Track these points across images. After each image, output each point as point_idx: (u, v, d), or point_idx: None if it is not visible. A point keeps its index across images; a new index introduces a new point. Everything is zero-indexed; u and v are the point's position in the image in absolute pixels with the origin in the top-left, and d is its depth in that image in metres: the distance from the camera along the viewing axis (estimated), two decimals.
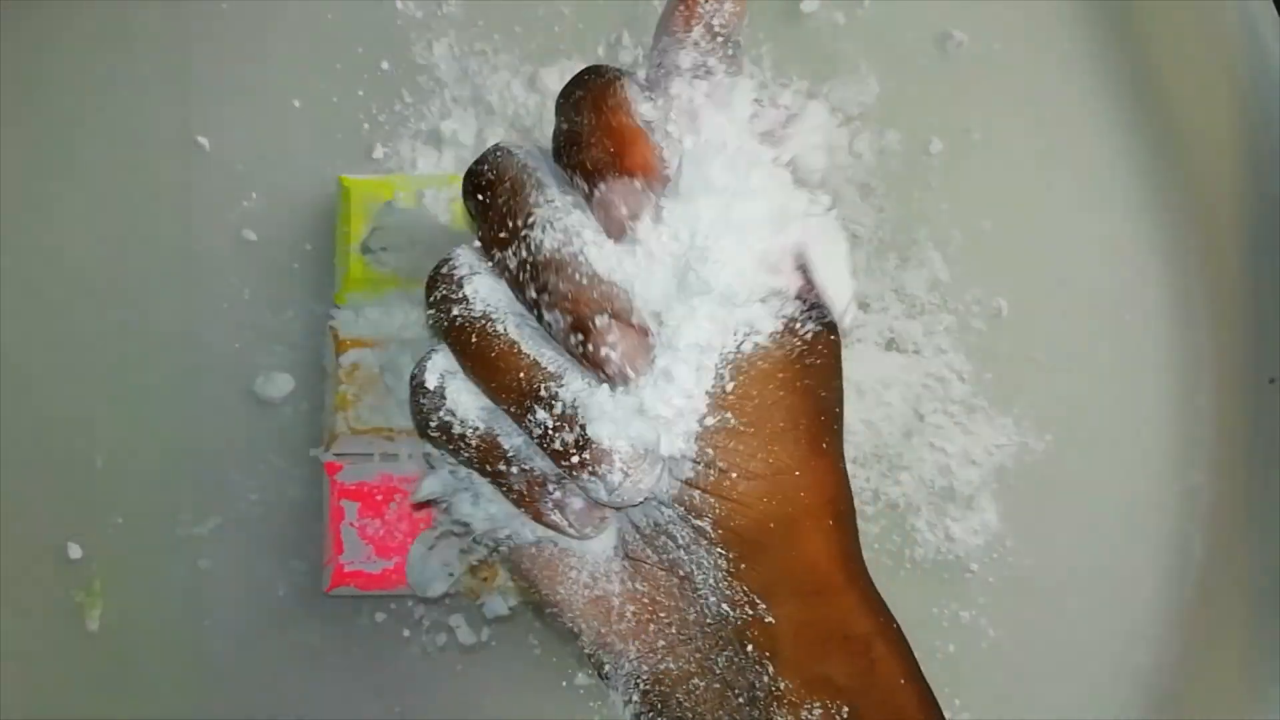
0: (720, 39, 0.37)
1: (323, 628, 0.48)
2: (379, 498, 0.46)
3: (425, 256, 0.46)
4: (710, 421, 0.36)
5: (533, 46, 0.50)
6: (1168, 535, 0.51)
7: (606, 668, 0.39)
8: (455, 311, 0.38)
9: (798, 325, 0.37)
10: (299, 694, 0.48)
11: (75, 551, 0.47)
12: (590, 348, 0.35)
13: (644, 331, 0.36)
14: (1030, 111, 0.52)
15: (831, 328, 0.38)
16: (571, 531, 0.38)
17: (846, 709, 0.37)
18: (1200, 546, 0.51)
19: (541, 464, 0.38)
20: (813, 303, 0.37)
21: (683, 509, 0.37)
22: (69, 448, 0.48)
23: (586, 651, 0.39)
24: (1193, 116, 0.52)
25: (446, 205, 0.46)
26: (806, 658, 0.37)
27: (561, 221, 0.36)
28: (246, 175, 0.49)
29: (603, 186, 0.36)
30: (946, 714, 0.39)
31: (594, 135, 0.36)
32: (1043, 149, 0.52)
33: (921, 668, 0.39)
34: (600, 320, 0.35)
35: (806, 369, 0.37)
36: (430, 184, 0.47)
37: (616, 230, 0.36)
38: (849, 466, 0.39)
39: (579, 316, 0.35)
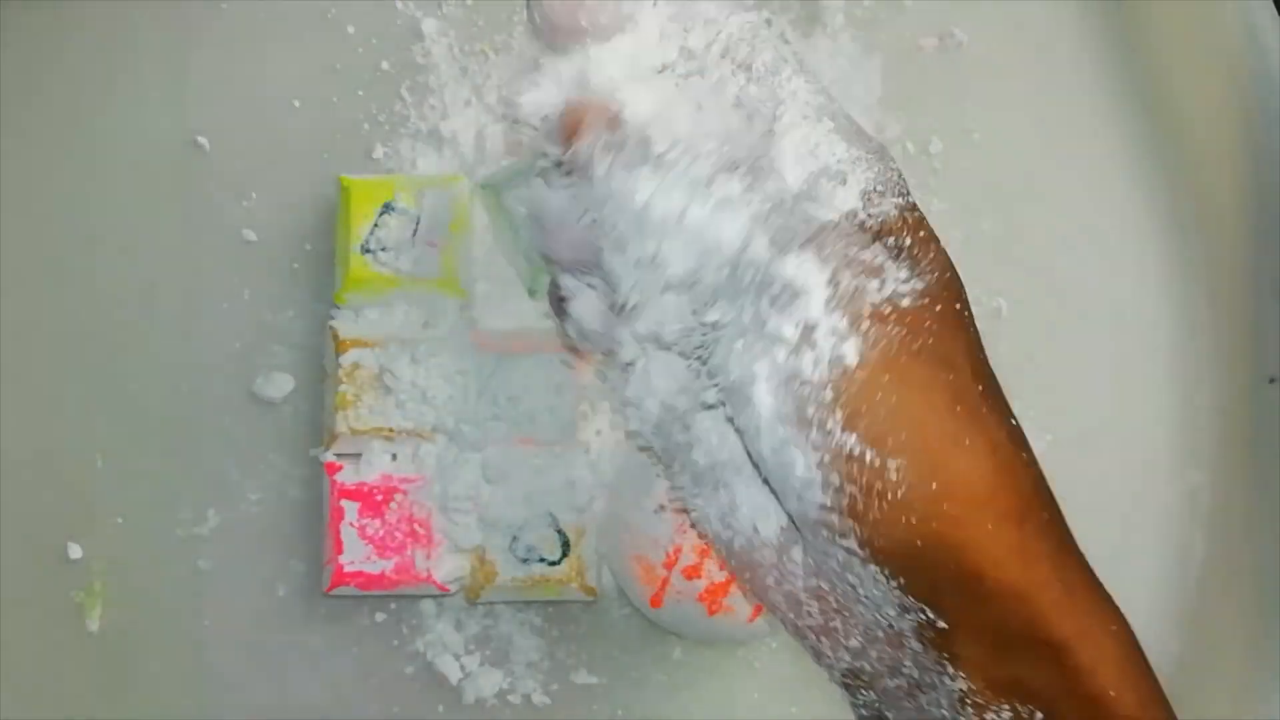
0: None
1: (323, 628, 0.48)
2: (379, 498, 0.46)
3: (425, 256, 0.46)
4: (820, 450, 0.33)
5: (532, 47, 0.50)
6: (1168, 535, 0.51)
7: (812, 655, 0.37)
8: None
9: (886, 310, 0.33)
10: (299, 694, 0.48)
11: (75, 551, 0.47)
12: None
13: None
14: (1030, 111, 0.52)
15: (947, 279, 0.35)
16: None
17: (1040, 714, 0.34)
18: (1200, 546, 0.51)
19: None
20: (897, 273, 0.34)
21: (827, 531, 0.34)
22: (69, 448, 0.48)
23: (793, 639, 0.38)
24: (1193, 116, 0.52)
25: (447, 205, 0.46)
26: (988, 660, 0.34)
27: None
28: (246, 175, 0.49)
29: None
30: None
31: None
32: (1043, 149, 0.52)
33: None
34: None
35: (915, 356, 0.34)
36: (430, 184, 0.47)
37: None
38: None
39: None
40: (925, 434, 0.33)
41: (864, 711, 0.38)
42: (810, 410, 0.33)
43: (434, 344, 0.46)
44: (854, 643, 0.37)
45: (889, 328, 0.33)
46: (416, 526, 0.46)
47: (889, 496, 0.33)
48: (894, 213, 0.35)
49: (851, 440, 0.33)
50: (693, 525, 0.40)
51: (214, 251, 0.48)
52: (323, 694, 0.48)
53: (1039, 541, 0.35)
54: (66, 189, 0.48)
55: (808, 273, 0.34)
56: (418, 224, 0.46)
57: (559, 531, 0.47)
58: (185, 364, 0.48)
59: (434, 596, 0.48)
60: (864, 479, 0.33)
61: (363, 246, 0.46)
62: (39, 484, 0.48)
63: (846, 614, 0.37)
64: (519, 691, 0.48)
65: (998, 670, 0.34)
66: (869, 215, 0.35)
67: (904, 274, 0.34)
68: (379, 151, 0.49)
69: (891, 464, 0.33)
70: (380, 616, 0.48)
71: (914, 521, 0.33)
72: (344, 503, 0.46)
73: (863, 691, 0.37)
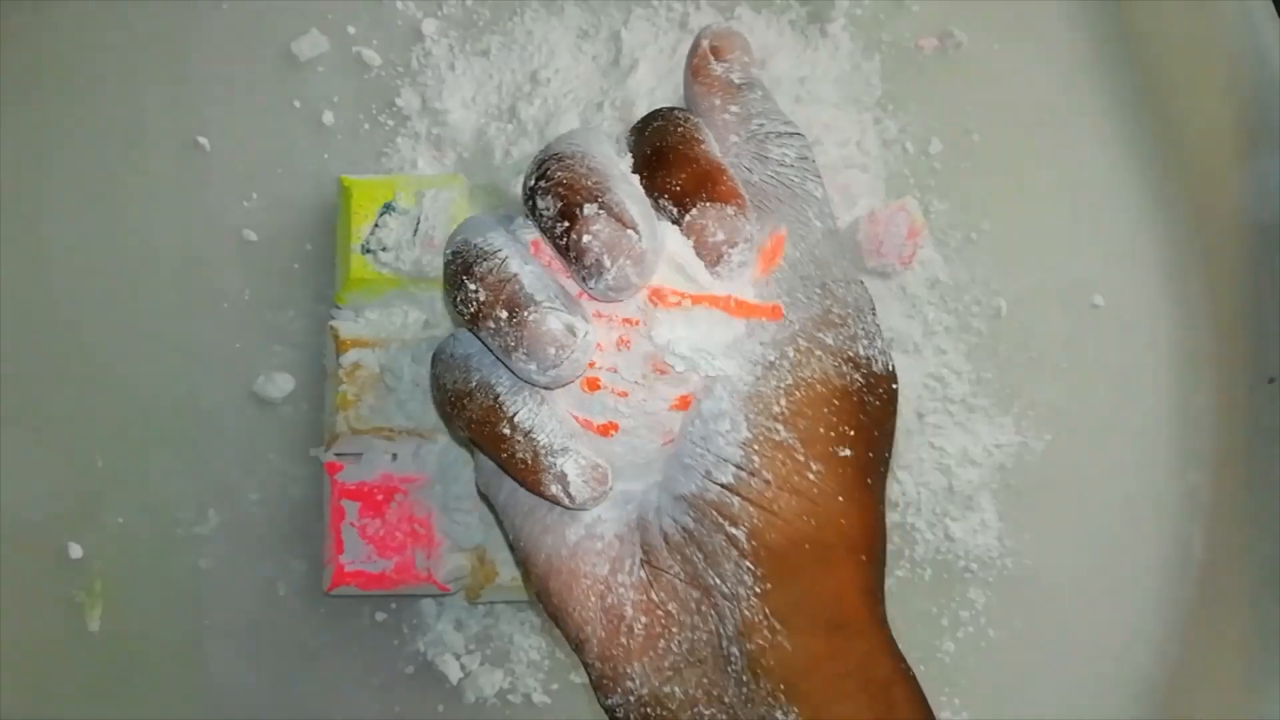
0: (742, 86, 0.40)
1: (323, 628, 0.48)
2: (379, 497, 0.46)
3: (425, 257, 0.46)
4: (758, 429, 0.36)
5: (532, 47, 0.50)
6: (1168, 534, 0.51)
7: (607, 682, 0.38)
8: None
9: (862, 361, 0.38)
10: (299, 694, 0.48)
11: (76, 551, 0.47)
12: (574, 235, 0.35)
13: (628, 224, 0.35)
14: (1030, 111, 0.52)
15: (893, 376, 0.38)
16: (567, 501, 0.37)
17: None
18: (1200, 546, 0.51)
19: (548, 428, 0.37)
20: (882, 345, 0.38)
21: (719, 515, 0.36)
22: (69, 448, 0.48)
23: (588, 661, 0.38)
24: (1193, 116, 0.52)
25: (446, 205, 0.46)
26: (823, 694, 0.36)
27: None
28: (247, 176, 0.49)
29: (695, 211, 0.36)
30: (946, 714, 0.39)
31: (681, 165, 0.37)
32: (1043, 149, 0.52)
33: (922, 668, 0.39)
34: (588, 209, 0.35)
35: (863, 405, 0.37)
36: (430, 184, 0.47)
37: (712, 257, 0.36)
38: None
39: (568, 203, 0.35)
40: (847, 457, 0.37)
41: None
42: (760, 392, 0.36)
43: (435, 344, 0.46)
44: (670, 664, 0.37)
45: (857, 373, 0.37)
46: (417, 526, 0.46)
47: (799, 495, 0.36)
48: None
49: (786, 432, 0.36)
50: (500, 515, 0.40)
51: (215, 251, 0.48)
52: (323, 694, 0.48)
53: (881, 587, 0.38)
54: (67, 189, 0.48)
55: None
56: (418, 224, 0.46)
57: None
58: (186, 364, 0.48)
59: (434, 596, 0.48)
60: (783, 471, 0.36)
61: (363, 246, 0.46)
62: (39, 484, 0.48)
63: (674, 630, 0.37)
64: (519, 691, 0.48)
65: (830, 707, 0.36)
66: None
67: (881, 346, 0.39)
68: (379, 152, 0.49)
69: (814, 466, 0.36)
70: (380, 616, 0.48)
71: (811, 525, 0.36)
72: (344, 502, 0.46)
73: None
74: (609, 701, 0.38)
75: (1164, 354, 0.51)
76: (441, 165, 0.49)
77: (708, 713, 0.37)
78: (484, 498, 0.41)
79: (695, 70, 0.41)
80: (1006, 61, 0.52)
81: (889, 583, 0.39)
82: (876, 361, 0.38)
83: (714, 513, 0.36)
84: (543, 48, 0.49)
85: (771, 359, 0.37)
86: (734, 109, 0.40)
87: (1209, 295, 0.51)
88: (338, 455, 0.46)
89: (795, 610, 0.36)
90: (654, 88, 0.49)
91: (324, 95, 0.49)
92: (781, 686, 0.36)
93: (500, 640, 0.48)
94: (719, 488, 0.36)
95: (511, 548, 0.41)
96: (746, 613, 0.36)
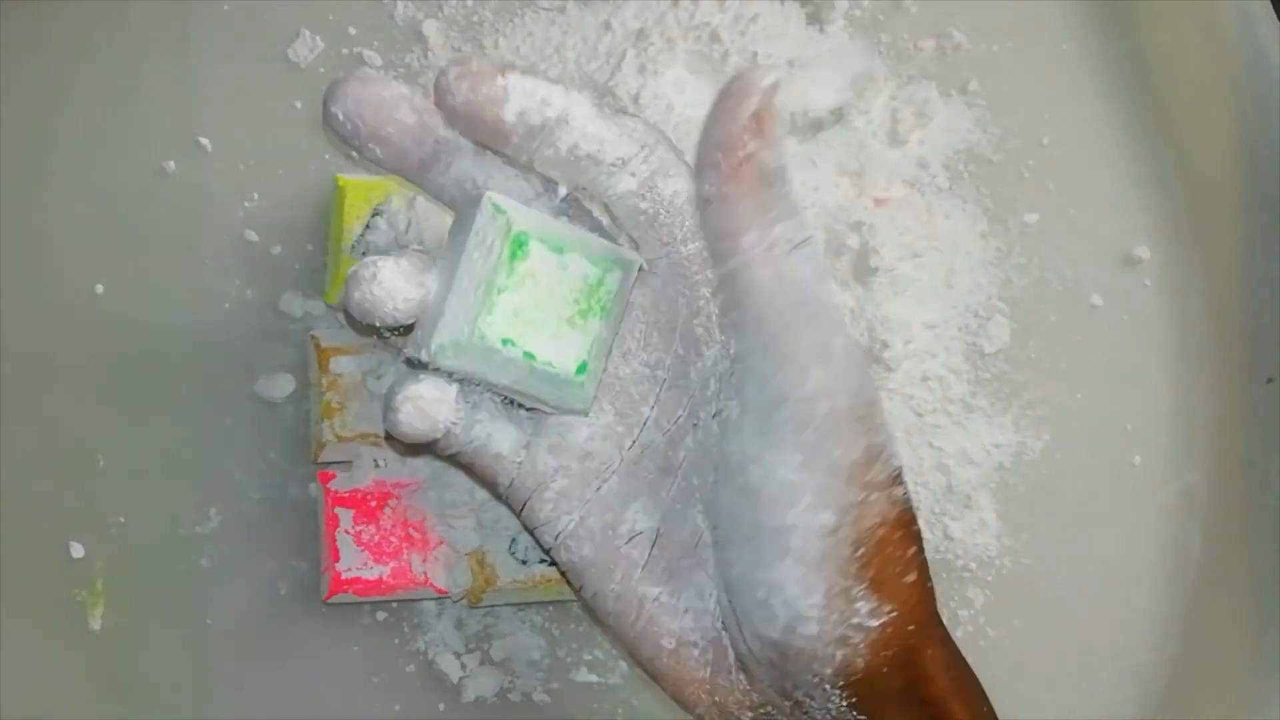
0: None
1: (324, 627, 0.48)
2: (373, 503, 0.46)
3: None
4: (834, 587, 0.37)
5: (530, 48, 0.50)
6: (1166, 534, 0.51)
7: None
8: None
9: (897, 472, 0.38)
10: (299, 694, 0.48)
11: (77, 550, 0.47)
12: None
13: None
14: (1030, 112, 0.52)
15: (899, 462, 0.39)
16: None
17: None
18: (1199, 545, 0.51)
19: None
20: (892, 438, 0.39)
21: (803, 658, 0.38)
22: (71, 447, 0.48)
23: None
24: (1191, 116, 0.52)
25: (437, 209, 0.46)
26: None
27: None
28: (248, 176, 0.48)
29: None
30: None
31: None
32: (1043, 149, 0.52)
33: None
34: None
35: (908, 514, 0.39)
36: None
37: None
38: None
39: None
40: (909, 579, 0.38)
41: None
42: (829, 556, 0.37)
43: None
44: None
45: (900, 489, 0.38)
46: (412, 530, 0.46)
47: (873, 635, 0.38)
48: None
49: (860, 589, 0.37)
50: (610, 625, 0.41)
51: (216, 251, 0.48)
52: (323, 693, 0.48)
53: (951, 649, 0.41)
54: (68, 189, 0.48)
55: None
56: (408, 226, 0.46)
57: None
58: (186, 363, 0.48)
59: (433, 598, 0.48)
60: (856, 619, 0.38)
61: (353, 247, 0.46)
62: (40, 483, 0.48)
63: None
64: (519, 690, 0.49)
65: None
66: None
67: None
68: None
69: (886, 607, 0.38)
70: (381, 615, 0.48)
71: (890, 653, 0.38)
72: (338, 510, 0.46)
73: None
74: None
75: (1162, 354, 0.52)
76: None
77: None
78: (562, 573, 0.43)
79: (725, 144, 0.36)
80: (1006, 61, 0.52)
81: None
82: (899, 457, 0.39)
83: (801, 657, 0.38)
84: (544, 50, 0.49)
85: (831, 524, 0.37)
86: (758, 202, 0.37)
87: (1207, 296, 0.52)
88: (328, 464, 0.46)
89: (882, 705, 0.39)
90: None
91: None
92: None
93: (500, 640, 0.48)
94: (804, 640, 0.38)
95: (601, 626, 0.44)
96: (838, 715, 0.39)
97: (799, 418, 0.37)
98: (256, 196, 0.49)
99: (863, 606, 0.37)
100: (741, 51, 0.48)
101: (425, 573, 0.46)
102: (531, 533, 0.41)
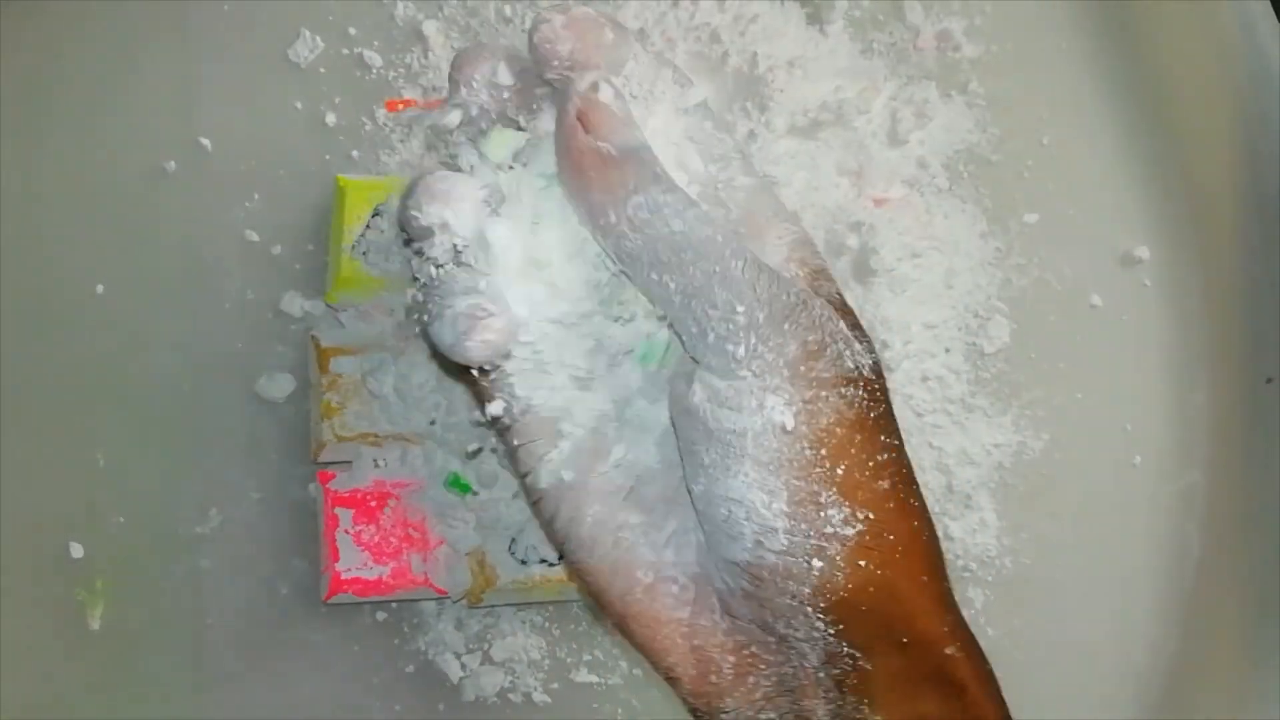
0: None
1: (323, 627, 0.48)
2: (373, 504, 0.46)
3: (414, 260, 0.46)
4: (798, 494, 0.36)
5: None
6: (1165, 534, 0.51)
7: (702, 715, 0.39)
8: None
9: (854, 375, 0.37)
10: (299, 694, 0.48)
11: (77, 550, 0.47)
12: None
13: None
14: (1030, 112, 0.52)
15: (878, 368, 0.39)
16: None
17: None
18: (1198, 545, 0.51)
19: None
20: (858, 347, 0.38)
21: (780, 578, 0.37)
22: (70, 447, 0.48)
23: (681, 695, 0.40)
24: (1191, 117, 0.52)
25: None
26: (902, 700, 0.38)
27: None
28: (249, 176, 0.49)
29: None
30: None
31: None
32: (1043, 149, 0.52)
33: None
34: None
35: (875, 423, 0.38)
36: None
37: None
38: None
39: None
40: (886, 490, 0.37)
41: None
42: (787, 458, 0.36)
43: (419, 347, 0.46)
44: (761, 694, 0.39)
45: (856, 390, 0.37)
46: (411, 530, 0.46)
47: (853, 545, 0.37)
48: (837, 296, 0.40)
49: (828, 493, 0.37)
50: (573, 563, 0.40)
51: (216, 252, 0.48)
52: (323, 694, 0.48)
53: (947, 589, 0.39)
54: (68, 189, 0.48)
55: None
56: None
57: None
58: (187, 364, 0.48)
59: (432, 600, 0.48)
60: (834, 528, 0.37)
61: (354, 247, 0.46)
62: (40, 483, 0.48)
63: (761, 668, 0.39)
64: (520, 690, 0.49)
65: (910, 708, 0.38)
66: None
67: (860, 347, 0.38)
68: (379, 152, 0.49)
69: (860, 514, 0.37)
70: (381, 616, 0.48)
71: (871, 570, 0.37)
72: (338, 510, 0.46)
73: None
74: None
75: (1161, 354, 0.52)
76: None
77: None
78: (536, 511, 0.42)
79: (560, 149, 0.38)
80: (1006, 61, 0.52)
81: None
82: (864, 367, 0.38)
83: (775, 577, 0.37)
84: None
85: (780, 421, 0.37)
86: (605, 185, 0.38)
87: (1206, 295, 0.52)
88: (328, 463, 0.46)
89: (871, 639, 0.38)
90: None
91: (325, 96, 0.49)
92: (865, 700, 0.38)
93: (500, 640, 0.48)
94: (774, 554, 0.37)
95: (569, 570, 0.42)
96: (824, 648, 0.38)
97: (724, 337, 0.37)
98: (256, 196, 0.49)
99: (834, 514, 0.37)
100: (741, 51, 0.48)
101: (425, 573, 0.46)
102: (516, 453, 0.40)
